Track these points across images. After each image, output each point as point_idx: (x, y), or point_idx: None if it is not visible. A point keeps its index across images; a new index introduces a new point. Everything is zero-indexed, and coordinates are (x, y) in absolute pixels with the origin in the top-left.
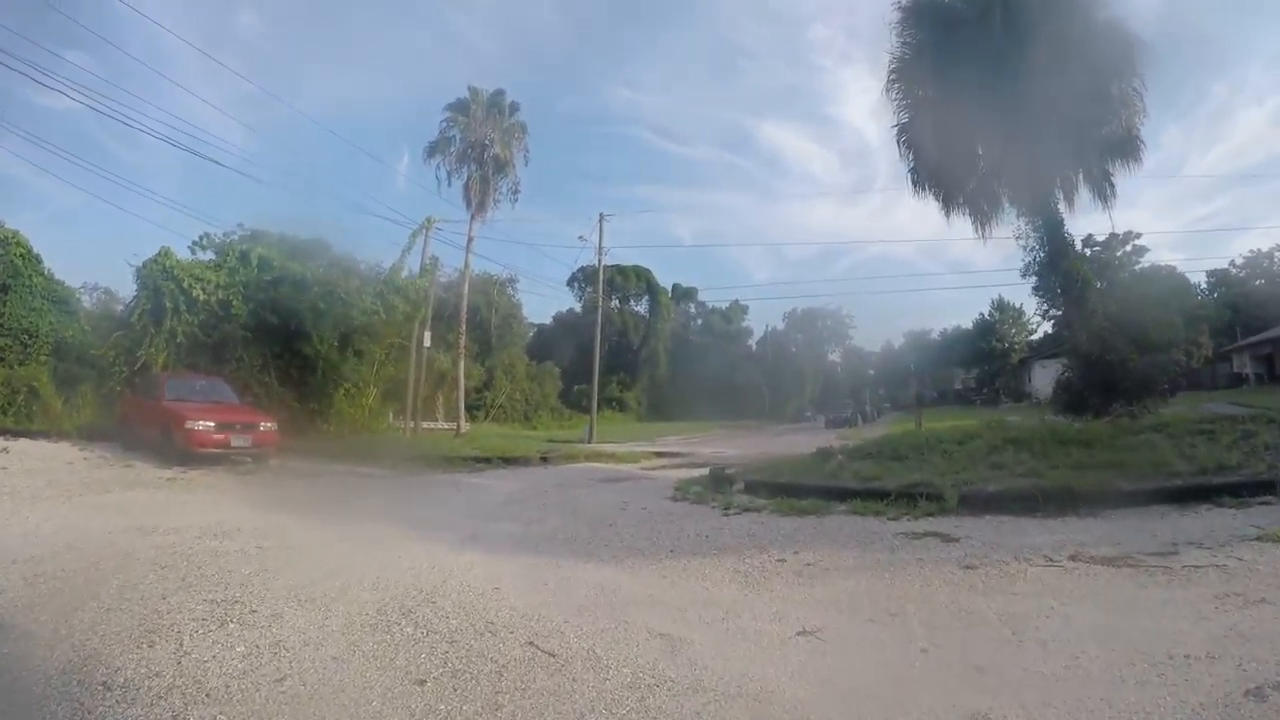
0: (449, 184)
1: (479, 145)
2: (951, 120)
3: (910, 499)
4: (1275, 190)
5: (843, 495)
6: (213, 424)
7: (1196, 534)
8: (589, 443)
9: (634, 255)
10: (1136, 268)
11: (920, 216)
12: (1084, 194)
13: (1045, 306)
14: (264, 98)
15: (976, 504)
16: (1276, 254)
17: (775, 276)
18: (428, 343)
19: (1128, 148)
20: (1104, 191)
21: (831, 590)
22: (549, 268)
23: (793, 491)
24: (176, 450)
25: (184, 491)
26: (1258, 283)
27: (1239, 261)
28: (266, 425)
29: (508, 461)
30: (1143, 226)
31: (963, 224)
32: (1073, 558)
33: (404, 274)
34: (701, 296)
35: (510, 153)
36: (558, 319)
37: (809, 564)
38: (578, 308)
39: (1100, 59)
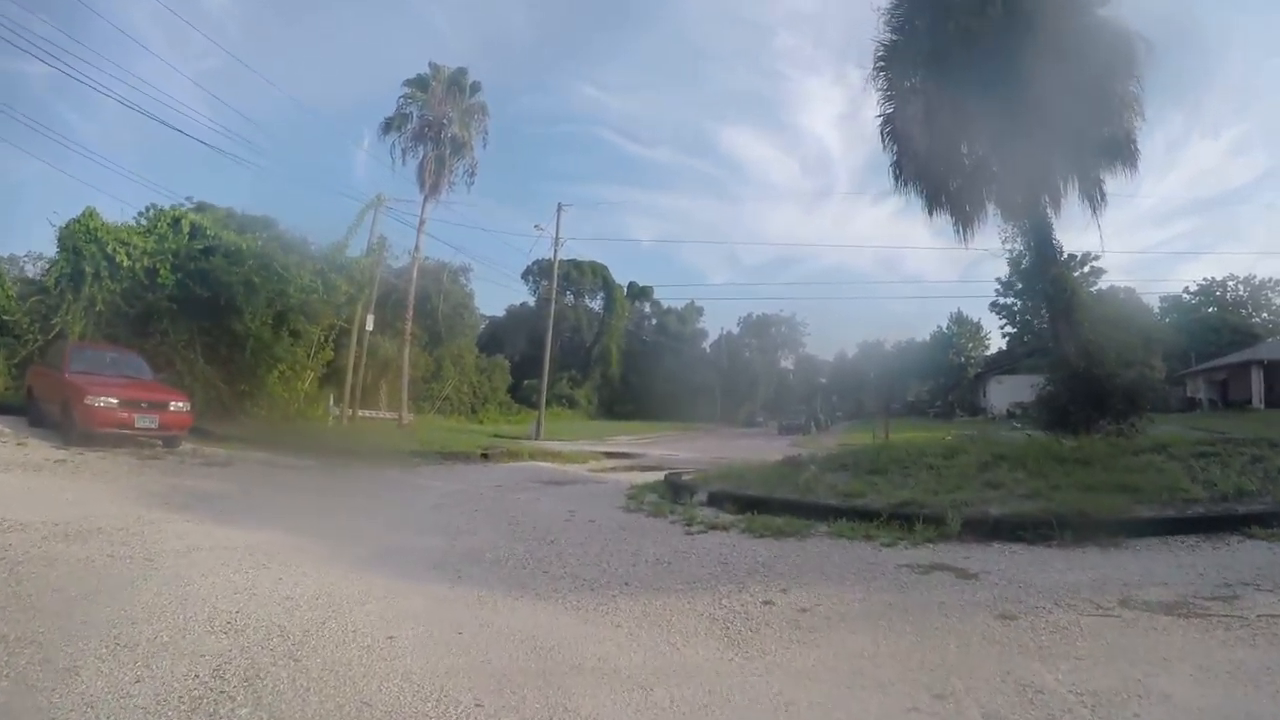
0: (403, 163)
1: (437, 124)
2: (939, 113)
3: (904, 521)
4: (1227, 220)
5: (823, 514)
6: (115, 401)
7: (1245, 572)
8: (536, 439)
9: (591, 252)
10: (1093, 289)
11: (878, 226)
12: (1073, 199)
13: (1003, 322)
14: (229, 74)
15: (981, 529)
16: (1229, 282)
17: (732, 281)
18: (370, 326)
19: (1123, 152)
20: (1094, 197)
21: (843, 651)
22: (504, 260)
23: (764, 507)
24: (75, 428)
25: (66, 477)
26: (1209, 310)
27: (1193, 288)
28: (178, 405)
29: (446, 457)
30: (1096, 248)
31: (944, 224)
32: (1124, 603)
33: (348, 253)
34: (657, 296)
35: (469, 133)
36: (510, 312)
37: (803, 609)
38: (531, 301)
39: (1102, 56)
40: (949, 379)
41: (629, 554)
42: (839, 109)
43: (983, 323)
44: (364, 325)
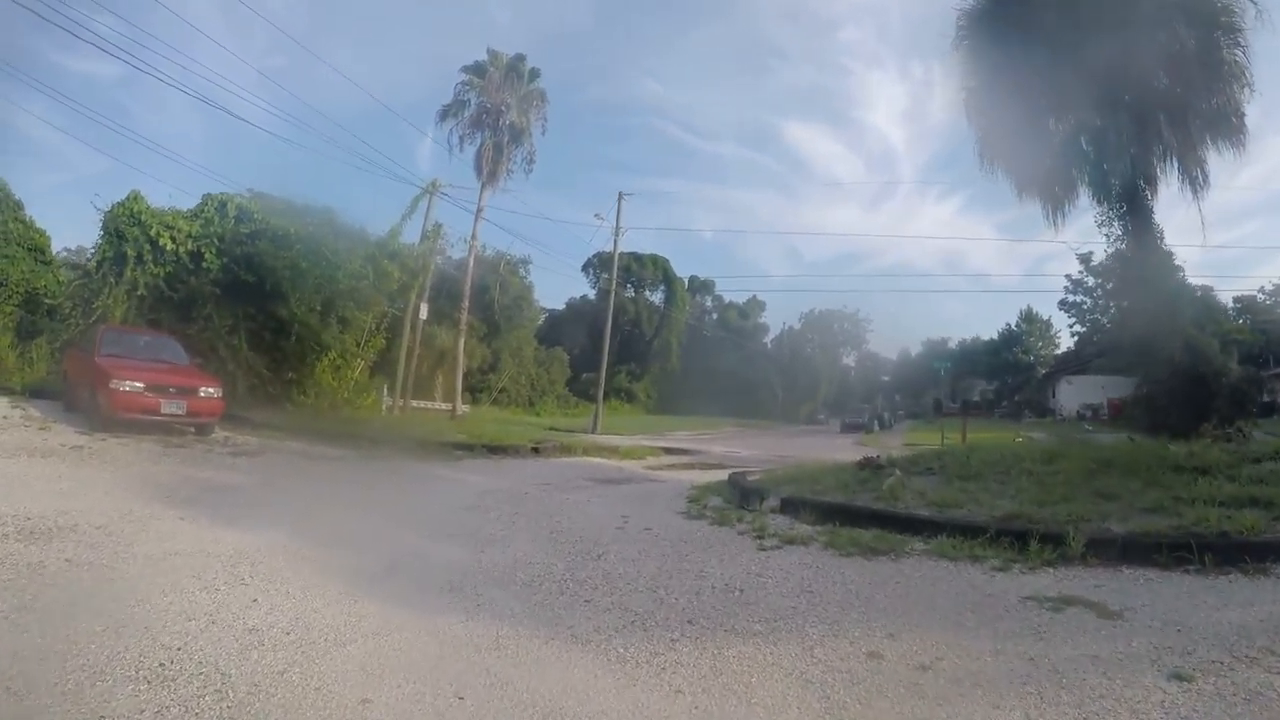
0: (460, 150)
1: (495, 111)
2: (1029, 84)
3: (1014, 539)
4: None
5: (916, 527)
6: (141, 385)
7: None
8: (592, 433)
9: (652, 245)
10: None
11: (942, 223)
12: (1172, 180)
13: (1072, 320)
14: (295, 66)
15: (1107, 551)
16: None
17: (792, 277)
18: (424, 315)
19: (1229, 127)
20: (1196, 177)
21: None
22: (565, 251)
23: (846, 516)
24: (101, 413)
25: (74, 464)
26: (1244, 320)
27: (1268, 288)
28: (209, 391)
29: (494, 450)
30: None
31: (1034, 208)
32: None
33: (402, 240)
34: (719, 290)
35: (527, 120)
36: (571, 305)
37: (922, 665)
38: (592, 294)
39: (1205, 20)
40: (1016, 379)
41: (691, 576)
42: (903, 105)
43: (1053, 321)
44: (418, 314)
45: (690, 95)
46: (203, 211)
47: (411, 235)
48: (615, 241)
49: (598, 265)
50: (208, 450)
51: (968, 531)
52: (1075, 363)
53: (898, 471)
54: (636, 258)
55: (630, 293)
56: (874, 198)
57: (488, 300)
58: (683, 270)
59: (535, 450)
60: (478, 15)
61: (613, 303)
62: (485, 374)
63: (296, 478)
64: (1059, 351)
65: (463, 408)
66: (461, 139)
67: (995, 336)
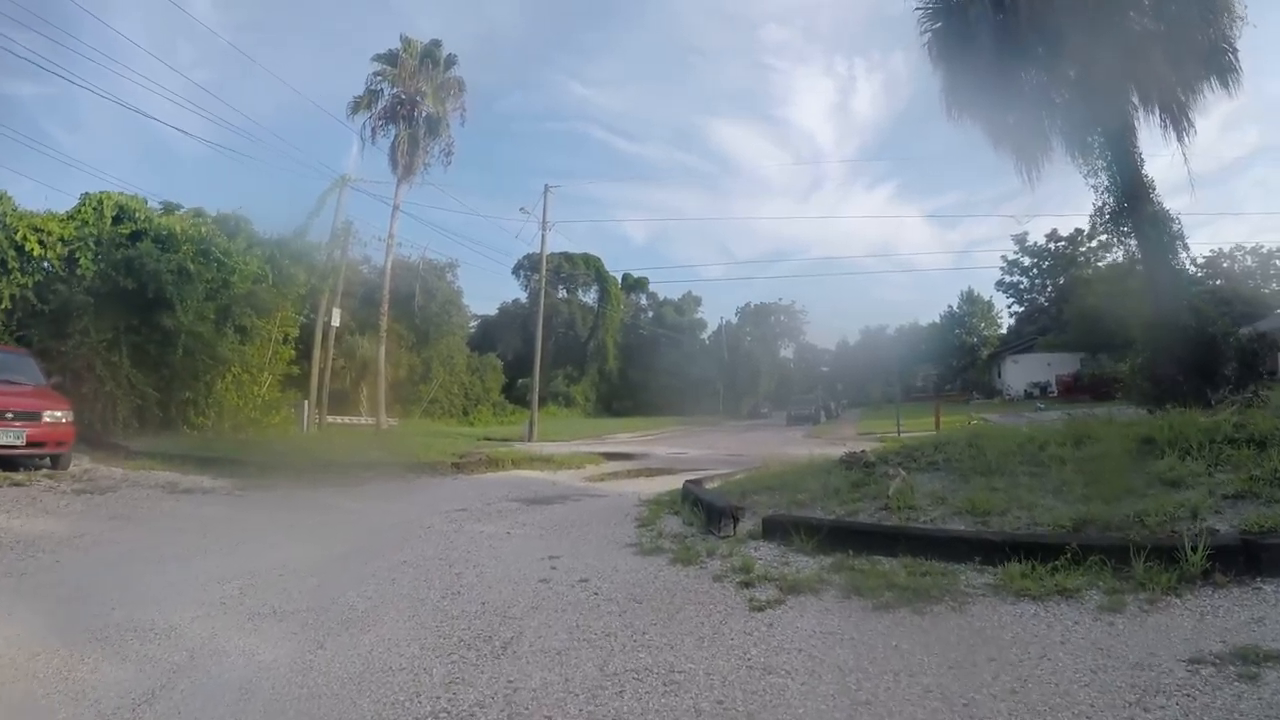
0: (374, 142)
1: (409, 101)
2: (1001, 22)
3: (1103, 556)
4: (1222, 196)
5: (956, 550)
6: None
7: None
8: (529, 441)
9: (583, 247)
10: (1100, 264)
11: (870, 215)
12: (1152, 125)
13: (1010, 301)
14: (214, 66)
15: (1232, 561)
16: (1236, 253)
17: (726, 274)
18: (337, 322)
19: (1220, 64)
20: (1180, 121)
21: None
22: (494, 256)
23: (855, 539)
24: None
25: None
26: (1217, 281)
27: (1200, 260)
28: (55, 415)
29: (411, 469)
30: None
31: (1005, 162)
32: None
33: (310, 239)
34: (653, 287)
35: (444, 109)
36: (503, 309)
37: None
38: (524, 297)
39: None
40: (960, 361)
41: (658, 686)
42: (829, 99)
43: (993, 301)
44: (330, 320)
45: (617, 99)
46: (79, 213)
47: (321, 235)
48: (543, 237)
49: (528, 267)
50: (50, 487)
51: (1032, 551)
52: (1018, 342)
53: (902, 472)
54: (568, 257)
55: (563, 294)
56: (804, 191)
57: (415, 308)
58: (615, 270)
59: (457, 466)
60: (400, 20)
61: (543, 302)
62: (416, 384)
63: (128, 524)
64: (1002, 332)
65: (390, 421)
66: (374, 131)
67: (937, 320)
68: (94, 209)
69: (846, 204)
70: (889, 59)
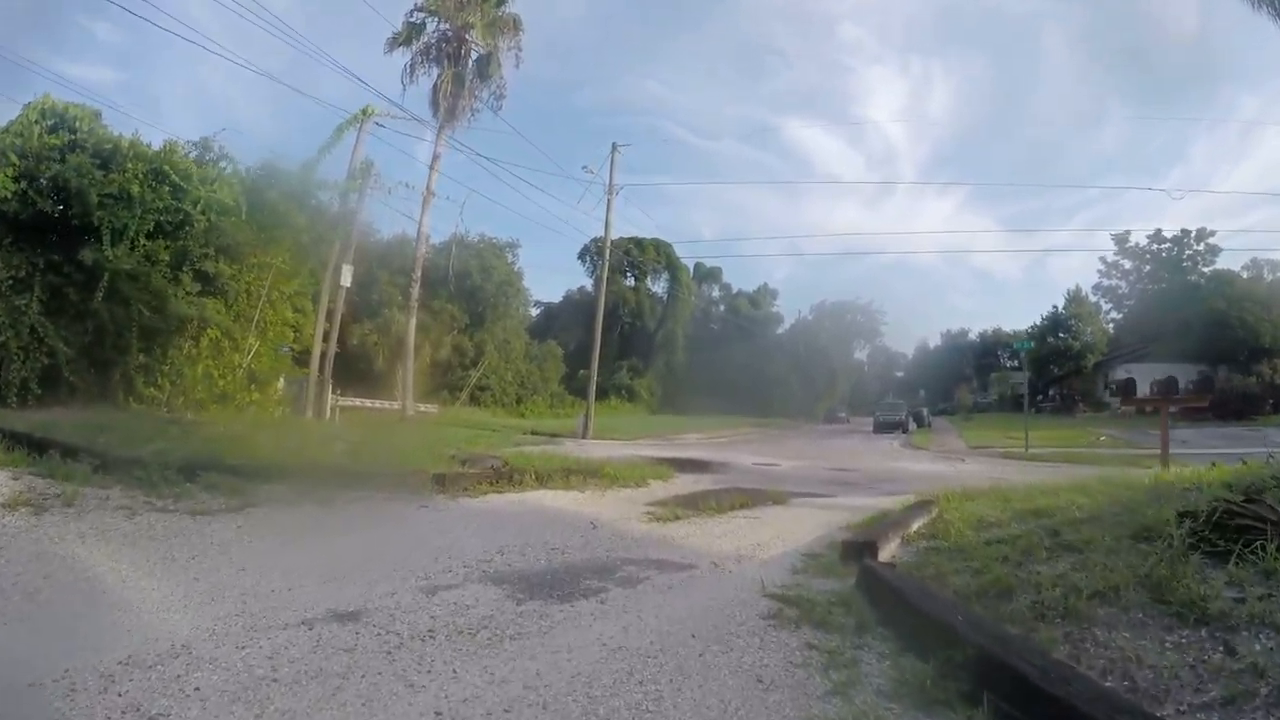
0: (412, 80)
1: (456, 37)
2: None
3: None
4: None
5: None
6: None
7: None
8: (582, 438)
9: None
10: (1207, 269)
11: (943, 220)
12: None
13: (1108, 306)
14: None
15: None
16: None
17: (795, 275)
18: (347, 280)
19: None
20: None
21: None
22: (562, 243)
23: None
24: None
25: None
26: None
27: None
28: None
29: (370, 481)
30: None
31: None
32: None
33: (316, 176)
34: (727, 279)
35: (496, 46)
36: (567, 297)
37: None
38: (589, 285)
39: None
40: (1063, 368)
41: None
42: (903, 101)
43: (1100, 303)
44: (339, 279)
45: (691, 96)
46: (15, 123)
47: (336, 174)
48: (609, 202)
49: (595, 253)
50: None
51: None
52: (1130, 348)
53: None
54: (637, 242)
55: (630, 282)
56: (875, 195)
57: (470, 287)
58: (687, 259)
59: (441, 481)
60: None
61: (604, 274)
62: (466, 369)
63: None
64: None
65: (425, 408)
66: (413, 69)
67: (1038, 321)
68: (35, 119)
69: (920, 207)
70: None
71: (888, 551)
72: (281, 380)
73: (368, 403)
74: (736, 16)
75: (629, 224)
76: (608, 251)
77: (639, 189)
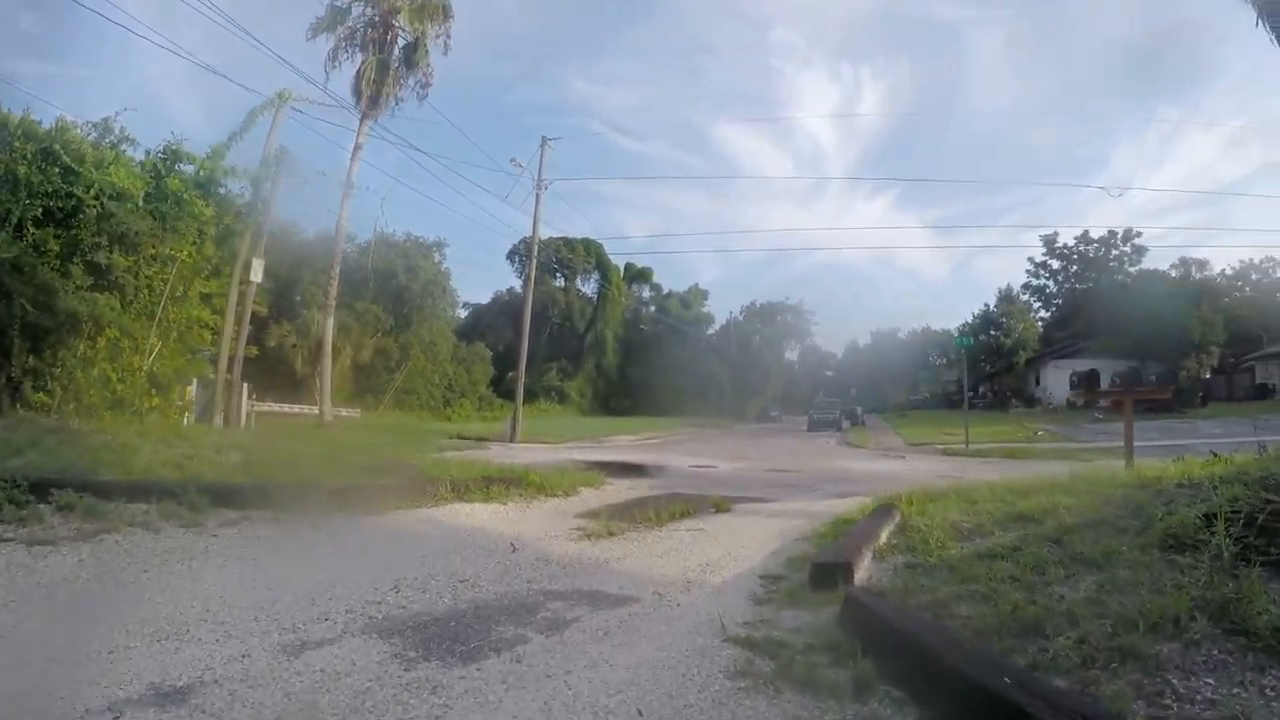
0: (334, 65)
1: (383, 22)
2: None
3: None
4: (1222, 213)
5: None
6: None
7: None
8: (510, 442)
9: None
10: (1133, 269)
11: (872, 220)
12: None
13: (1038, 305)
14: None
15: None
16: (1265, 265)
17: (727, 276)
18: (258, 276)
19: None
20: None
21: None
22: (490, 243)
23: None
24: None
25: None
26: (1245, 290)
27: (1229, 272)
28: None
29: (274, 502)
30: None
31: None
32: None
33: (225, 163)
34: (657, 279)
35: (425, 33)
36: (496, 298)
37: None
38: (518, 285)
39: None
40: (993, 365)
41: None
42: (834, 104)
43: (1031, 302)
44: (248, 274)
45: (623, 96)
46: None
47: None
48: (538, 196)
49: (523, 253)
50: None
51: None
52: (1061, 345)
53: None
54: (567, 242)
55: (560, 282)
56: (805, 196)
57: (395, 287)
58: (617, 258)
59: (338, 499)
60: None
61: (533, 271)
62: (391, 372)
63: None
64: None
65: (348, 412)
66: (335, 55)
67: (969, 319)
68: None
69: (849, 209)
70: (895, 64)
71: (862, 570)
72: (194, 385)
73: (286, 408)
74: (671, 17)
75: (560, 225)
76: (535, 248)
77: (570, 189)
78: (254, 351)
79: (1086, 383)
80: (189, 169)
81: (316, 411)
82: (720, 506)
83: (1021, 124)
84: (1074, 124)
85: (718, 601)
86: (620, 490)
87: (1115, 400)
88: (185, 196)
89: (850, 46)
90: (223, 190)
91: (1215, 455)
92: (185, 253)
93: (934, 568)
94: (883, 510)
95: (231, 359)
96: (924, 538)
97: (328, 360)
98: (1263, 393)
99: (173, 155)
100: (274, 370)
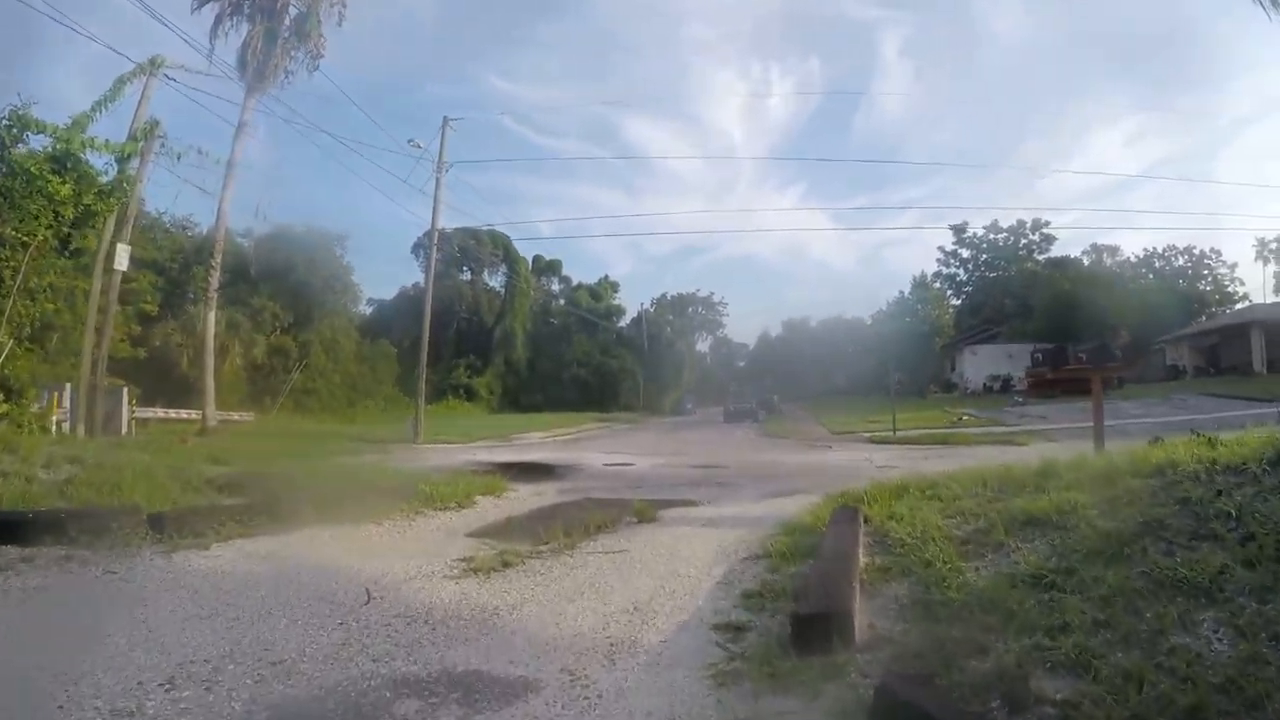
0: (218, 35)
1: None
2: None
3: None
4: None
5: None
6: None
7: None
8: (413, 443)
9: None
10: (1042, 257)
11: (781, 215)
12: None
13: (949, 292)
14: None
15: None
16: (1168, 254)
17: (638, 270)
18: (124, 264)
19: None
20: None
21: None
22: (395, 235)
23: None
24: None
25: None
26: (1148, 277)
27: (1134, 259)
28: None
29: (76, 530)
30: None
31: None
32: None
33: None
34: (566, 271)
35: (317, 2)
36: (402, 294)
37: None
38: (423, 281)
39: None
40: (909, 351)
41: None
42: (743, 101)
43: (944, 288)
44: (112, 260)
45: (534, 92)
46: None
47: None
48: (438, 180)
49: (428, 247)
50: None
51: None
52: (977, 332)
53: None
54: (473, 234)
55: (467, 276)
56: (716, 190)
57: (294, 282)
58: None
59: (158, 527)
60: None
61: (433, 256)
62: (290, 373)
63: None
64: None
65: (240, 416)
66: (219, 22)
67: (883, 307)
68: None
69: (760, 202)
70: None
71: (861, 618)
72: (68, 389)
73: (173, 414)
74: (585, 11)
75: (470, 220)
76: (435, 234)
77: (482, 184)
78: (139, 354)
79: (1054, 359)
80: (42, 141)
81: (226, 416)
82: (643, 514)
83: (929, 120)
84: (980, 119)
85: (658, 682)
86: (525, 498)
87: (1036, 383)
88: (36, 171)
89: (762, 43)
90: (82, 165)
91: (1197, 434)
92: (40, 236)
93: (960, 607)
94: (844, 515)
95: (95, 360)
96: (919, 555)
97: (209, 359)
98: (1174, 374)
99: (19, 123)
100: (166, 374)
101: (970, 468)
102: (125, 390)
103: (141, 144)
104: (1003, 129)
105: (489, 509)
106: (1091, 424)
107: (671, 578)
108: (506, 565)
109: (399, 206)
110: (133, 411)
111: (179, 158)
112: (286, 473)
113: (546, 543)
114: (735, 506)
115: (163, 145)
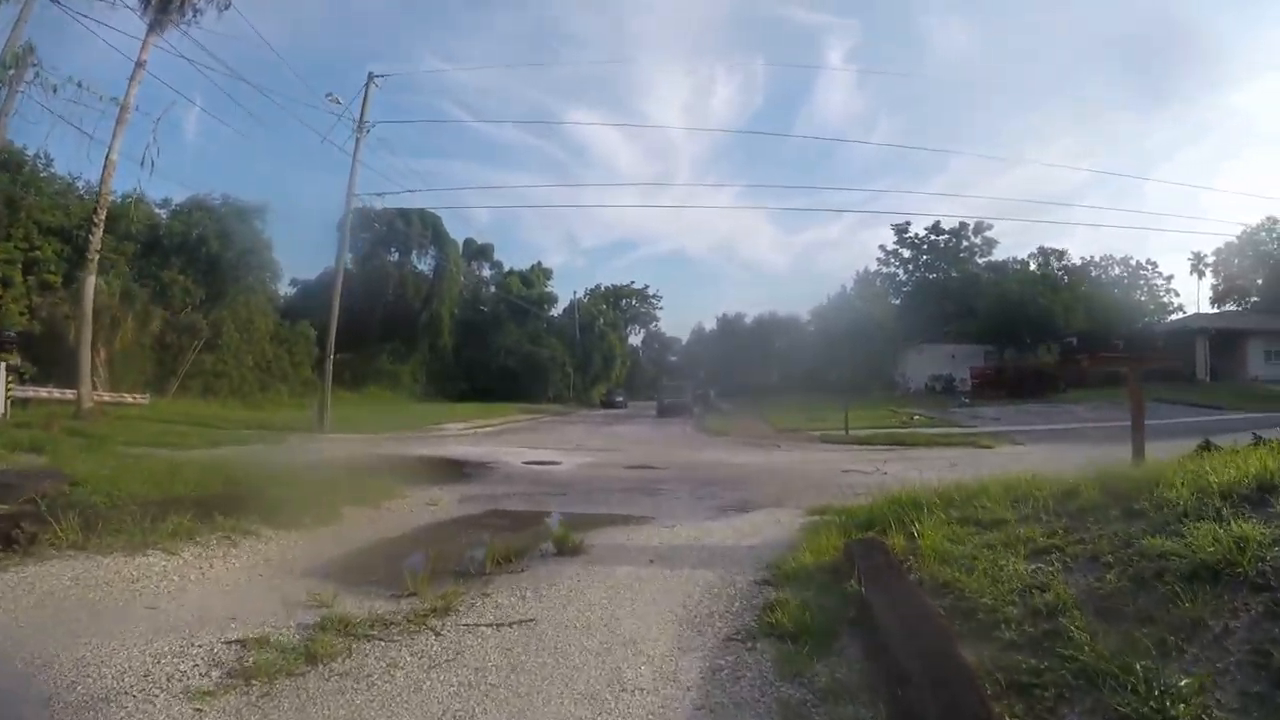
0: None
1: None
2: None
3: None
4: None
5: None
6: None
7: None
8: (319, 433)
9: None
10: (982, 260)
11: (717, 213)
12: None
13: (891, 291)
14: None
15: None
16: (1105, 263)
17: (572, 263)
18: None
19: None
20: None
21: None
22: (317, 211)
23: None
24: None
25: None
26: (1097, 279)
27: (1074, 265)
28: None
29: None
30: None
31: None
32: None
33: None
34: (498, 256)
35: None
36: (326, 273)
37: None
38: (350, 261)
39: None
40: (855, 348)
41: None
42: (685, 97)
43: (881, 284)
44: None
45: (475, 77)
46: None
47: None
48: (358, 140)
49: (358, 225)
50: None
51: None
52: (920, 331)
53: None
54: (403, 214)
55: (395, 257)
56: (652, 186)
57: (207, 255)
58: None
59: None
60: None
61: (348, 223)
62: (201, 353)
63: None
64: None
65: (134, 398)
66: None
67: (825, 301)
68: None
69: (696, 199)
70: (748, 62)
71: None
72: None
73: (56, 392)
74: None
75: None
76: (350, 198)
77: (419, 169)
78: (34, 326)
79: (1083, 348)
80: None
81: (90, 396)
82: (566, 543)
83: (867, 125)
84: (915, 125)
85: None
86: (414, 510)
87: (982, 383)
88: None
89: (705, 42)
90: None
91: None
92: None
93: None
94: (861, 547)
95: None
96: (1074, 649)
97: (87, 331)
98: (1116, 377)
99: None
100: (59, 348)
101: (985, 478)
102: (2, 366)
103: (11, 71)
104: (944, 135)
105: (357, 527)
106: (1045, 427)
107: (608, 692)
108: (316, 660)
109: (327, 175)
110: (9, 390)
111: (55, 90)
112: (99, 470)
113: (410, 594)
114: (689, 526)
115: (37, 75)
